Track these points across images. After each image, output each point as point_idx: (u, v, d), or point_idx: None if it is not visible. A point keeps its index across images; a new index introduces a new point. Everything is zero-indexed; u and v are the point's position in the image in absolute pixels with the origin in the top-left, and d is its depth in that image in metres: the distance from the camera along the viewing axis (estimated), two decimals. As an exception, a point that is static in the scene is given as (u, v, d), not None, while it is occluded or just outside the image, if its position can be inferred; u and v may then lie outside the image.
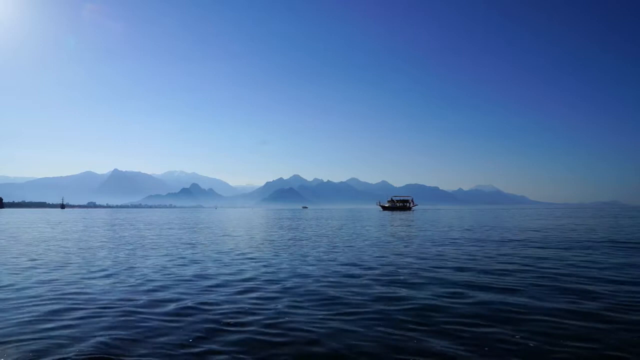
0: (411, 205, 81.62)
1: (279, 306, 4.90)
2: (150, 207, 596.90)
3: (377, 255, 9.83)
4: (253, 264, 8.49)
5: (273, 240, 14.10)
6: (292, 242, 13.53)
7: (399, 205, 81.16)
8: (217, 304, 5.03)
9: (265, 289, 5.95)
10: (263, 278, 6.82)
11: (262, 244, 12.97)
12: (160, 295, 5.57)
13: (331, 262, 8.66)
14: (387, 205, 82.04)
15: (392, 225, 23.70)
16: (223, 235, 16.77)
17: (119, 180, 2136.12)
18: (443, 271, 7.32)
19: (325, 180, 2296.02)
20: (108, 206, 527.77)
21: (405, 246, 11.86)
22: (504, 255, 9.57)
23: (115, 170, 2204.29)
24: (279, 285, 6.17)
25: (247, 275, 7.11)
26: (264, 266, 8.15)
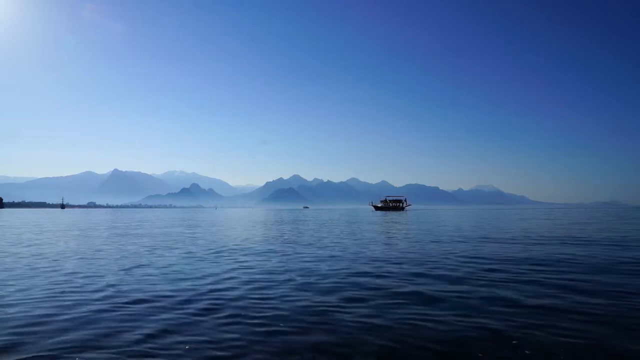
0: (404, 205, 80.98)
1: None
2: (150, 207, 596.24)
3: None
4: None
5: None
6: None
7: (392, 205, 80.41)
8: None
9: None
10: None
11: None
12: None
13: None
14: (379, 205, 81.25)
15: (372, 231, 23.51)
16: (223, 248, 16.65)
17: (119, 180, 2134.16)
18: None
19: (325, 180, 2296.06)
20: (108, 206, 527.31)
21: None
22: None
23: (115, 170, 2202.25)
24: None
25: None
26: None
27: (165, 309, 4.84)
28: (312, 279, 6.73)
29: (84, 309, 4.88)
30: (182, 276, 7.11)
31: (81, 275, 7.25)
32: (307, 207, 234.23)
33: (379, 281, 6.52)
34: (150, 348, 3.57)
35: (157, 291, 5.85)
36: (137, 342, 3.73)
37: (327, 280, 6.61)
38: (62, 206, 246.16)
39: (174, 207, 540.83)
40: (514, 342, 3.66)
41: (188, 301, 5.23)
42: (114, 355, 3.42)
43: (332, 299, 5.33)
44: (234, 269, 7.80)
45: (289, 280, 6.70)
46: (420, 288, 5.92)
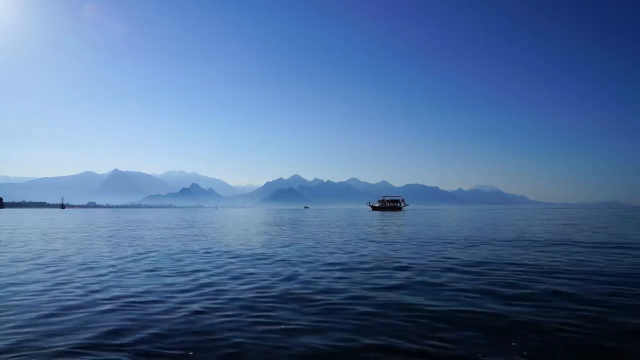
0: (402, 205, 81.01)
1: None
2: (151, 207, 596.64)
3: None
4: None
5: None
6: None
7: (389, 205, 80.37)
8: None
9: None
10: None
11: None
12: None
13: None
14: (377, 205, 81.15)
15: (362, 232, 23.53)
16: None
17: (119, 180, 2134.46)
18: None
19: (325, 180, 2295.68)
20: (108, 206, 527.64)
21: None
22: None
23: (115, 170, 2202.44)
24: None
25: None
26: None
27: (152, 305, 4.87)
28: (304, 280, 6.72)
29: (73, 303, 4.92)
30: (177, 275, 7.16)
31: (74, 272, 7.27)
32: (307, 207, 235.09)
33: (342, 284, 6.54)
34: (125, 343, 3.61)
35: (148, 289, 5.90)
36: (119, 336, 3.76)
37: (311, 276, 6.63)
38: (62, 206, 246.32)
39: (174, 207, 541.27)
40: (513, 344, 3.68)
41: (175, 297, 5.25)
42: (91, 342, 3.48)
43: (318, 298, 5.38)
44: (226, 264, 7.80)
45: (278, 277, 6.71)
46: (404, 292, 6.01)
